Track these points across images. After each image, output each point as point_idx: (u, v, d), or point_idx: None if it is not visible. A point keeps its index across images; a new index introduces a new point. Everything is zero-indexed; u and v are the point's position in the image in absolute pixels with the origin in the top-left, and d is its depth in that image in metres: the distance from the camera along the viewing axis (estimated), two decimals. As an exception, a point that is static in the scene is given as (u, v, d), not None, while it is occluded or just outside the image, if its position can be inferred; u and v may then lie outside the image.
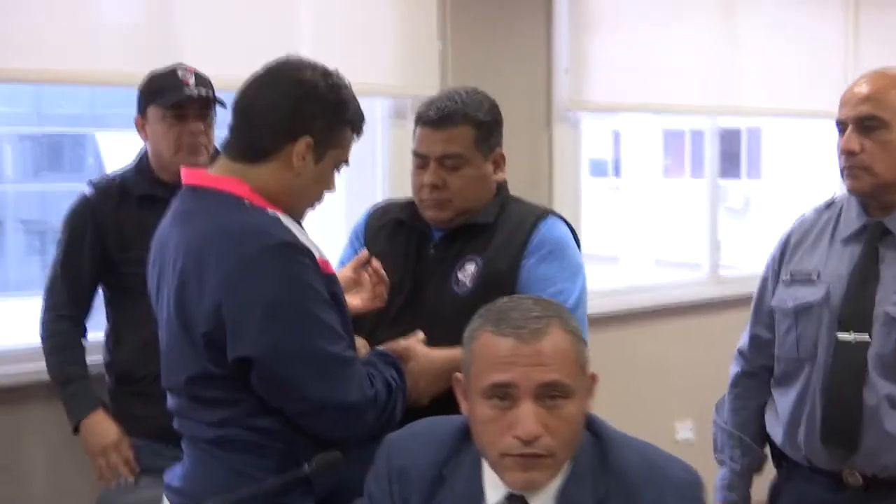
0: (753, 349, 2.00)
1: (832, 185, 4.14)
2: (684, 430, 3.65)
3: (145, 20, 2.54)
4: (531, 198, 3.01)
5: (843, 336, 1.77)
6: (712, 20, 3.71)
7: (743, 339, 2.05)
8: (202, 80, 2.26)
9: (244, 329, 1.51)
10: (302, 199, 1.67)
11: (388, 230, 1.99)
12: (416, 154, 1.89)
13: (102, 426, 2.25)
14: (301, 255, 1.55)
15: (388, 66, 2.91)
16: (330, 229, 2.92)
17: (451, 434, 1.38)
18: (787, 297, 1.88)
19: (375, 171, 3.00)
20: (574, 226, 3.38)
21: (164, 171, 2.24)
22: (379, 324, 1.84)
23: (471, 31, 3.12)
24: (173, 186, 2.07)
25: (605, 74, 3.42)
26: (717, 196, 4.01)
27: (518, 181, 2.95)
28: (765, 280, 2.00)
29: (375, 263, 1.82)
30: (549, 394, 1.25)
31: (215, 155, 2.20)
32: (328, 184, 1.68)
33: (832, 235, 1.87)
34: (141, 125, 2.26)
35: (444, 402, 1.68)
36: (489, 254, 1.89)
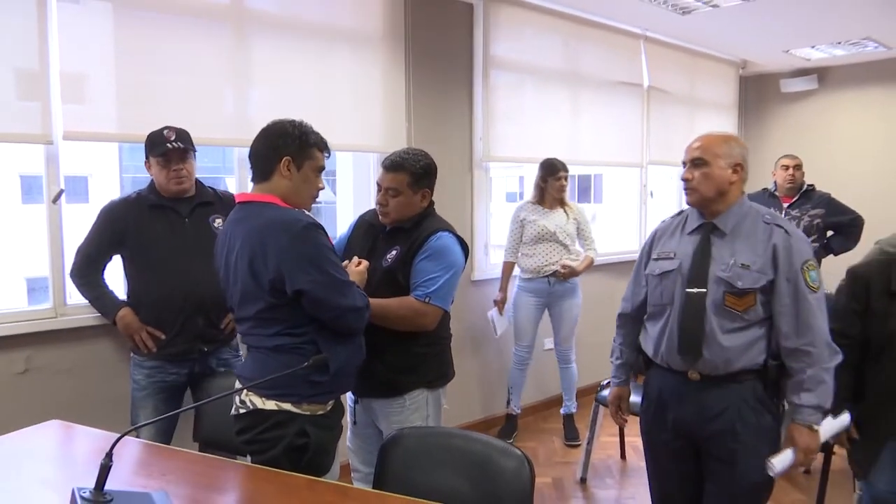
0: (631, 299, 2.34)
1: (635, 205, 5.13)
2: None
3: (236, 110, 3.18)
4: (460, 214, 3.98)
5: (690, 290, 2.09)
6: (565, 112, 4.60)
7: (626, 294, 2.38)
8: (181, 136, 2.57)
9: (297, 274, 1.85)
10: (299, 196, 1.96)
11: (364, 227, 2.41)
12: (377, 183, 2.31)
13: (129, 318, 2.64)
14: (320, 228, 1.90)
15: (376, 134, 3.63)
16: (345, 221, 3.53)
17: None
18: (656, 267, 2.20)
19: (370, 192, 3.60)
20: (484, 230, 4.23)
21: (165, 192, 2.63)
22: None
23: (425, 115, 3.79)
24: (171, 199, 2.62)
25: (503, 140, 4.20)
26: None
27: (453, 204, 3.93)
28: (640, 259, 2.31)
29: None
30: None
31: (197, 182, 2.66)
32: (314, 182, 1.99)
33: (682, 230, 2.19)
34: (148, 167, 2.64)
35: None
36: (404, 247, 2.23)
